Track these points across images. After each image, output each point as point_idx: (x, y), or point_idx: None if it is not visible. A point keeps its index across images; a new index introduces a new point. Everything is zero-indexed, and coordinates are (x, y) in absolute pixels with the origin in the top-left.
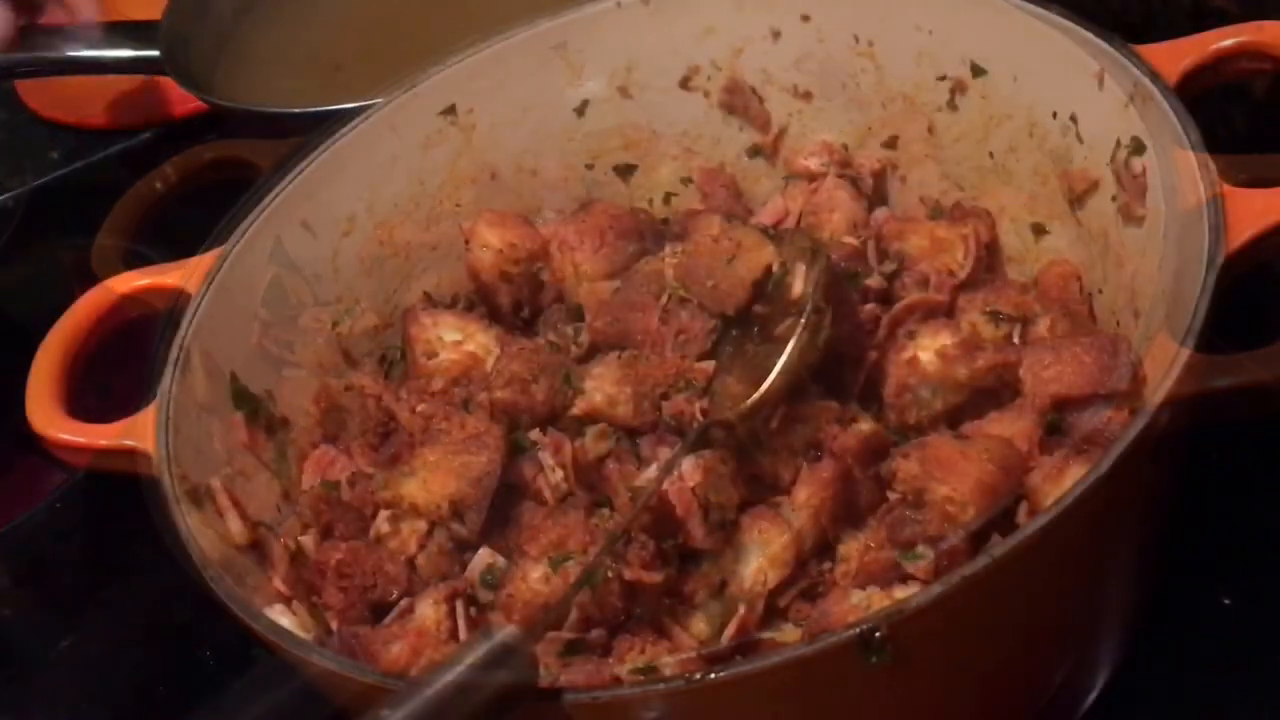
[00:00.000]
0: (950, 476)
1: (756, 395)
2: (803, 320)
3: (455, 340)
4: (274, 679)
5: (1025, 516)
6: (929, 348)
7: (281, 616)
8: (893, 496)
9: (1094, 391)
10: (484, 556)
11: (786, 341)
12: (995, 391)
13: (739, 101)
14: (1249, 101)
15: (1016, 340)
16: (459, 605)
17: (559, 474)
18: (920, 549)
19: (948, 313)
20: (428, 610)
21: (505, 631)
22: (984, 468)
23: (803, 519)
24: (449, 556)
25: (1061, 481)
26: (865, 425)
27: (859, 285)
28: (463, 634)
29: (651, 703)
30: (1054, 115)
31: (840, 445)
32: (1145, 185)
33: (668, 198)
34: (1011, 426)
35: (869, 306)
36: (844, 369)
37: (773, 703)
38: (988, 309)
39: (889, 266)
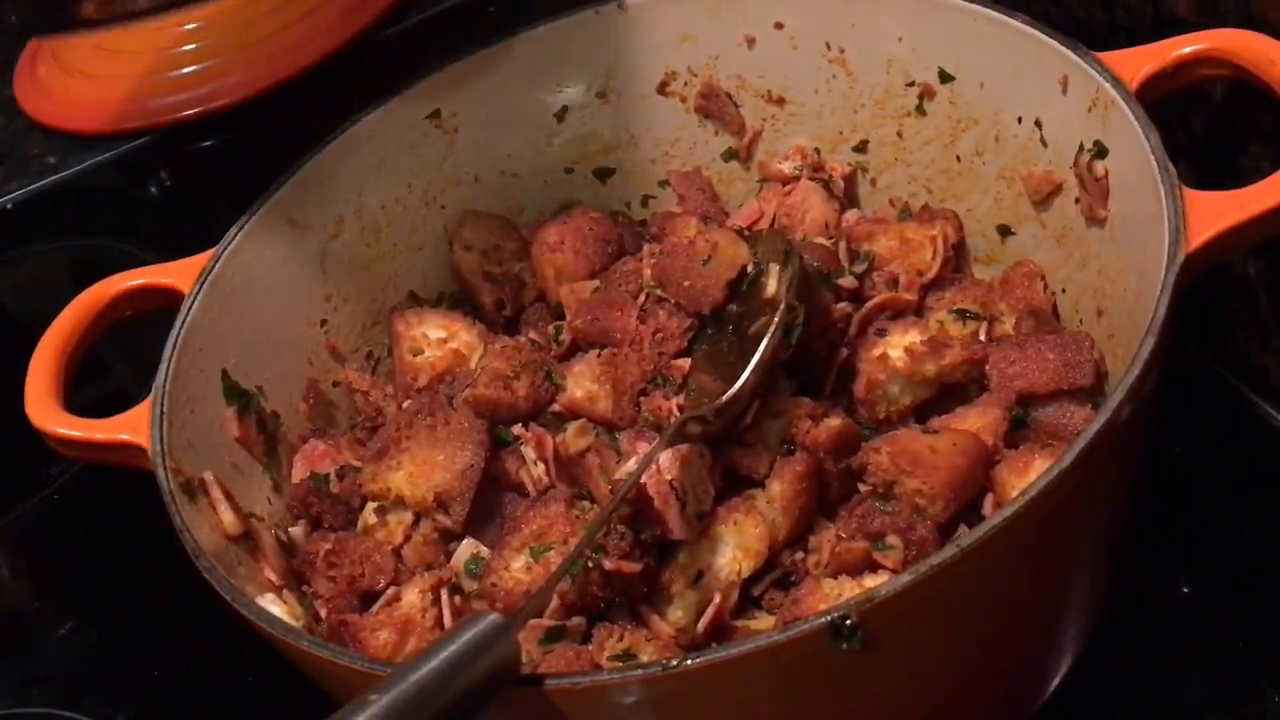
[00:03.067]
0: (920, 470)
1: (731, 391)
2: (776, 319)
3: (440, 338)
4: None
5: (991, 508)
6: (898, 345)
7: (272, 605)
8: (863, 489)
9: (1058, 387)
10: (468, 547)
11: (760, 339)
12: (962, 387)
13: (714, 107)
14: (1208, 106)
15: (983, 338)
16: (444, 594)
17: (540, 468)
18: (890, 539)
19: (917, 311)
20: (414, 598)
21: (488, 619)
22: (952, 461)
23: (776, 511)
24: (434, 547)
25: (1027, 474)
26: (836, 420)
27: (831, 285)
28: (448, 621)
29: (629, 688)
30: (1019, 120)
31: (812, 440)
32: (1107, 187)
33: (645, 200)
34: (978, 421)
35: (841, 305)
36: (816, 366)
37: (747, 688)
38: (955, 307)
39: (860, 266)
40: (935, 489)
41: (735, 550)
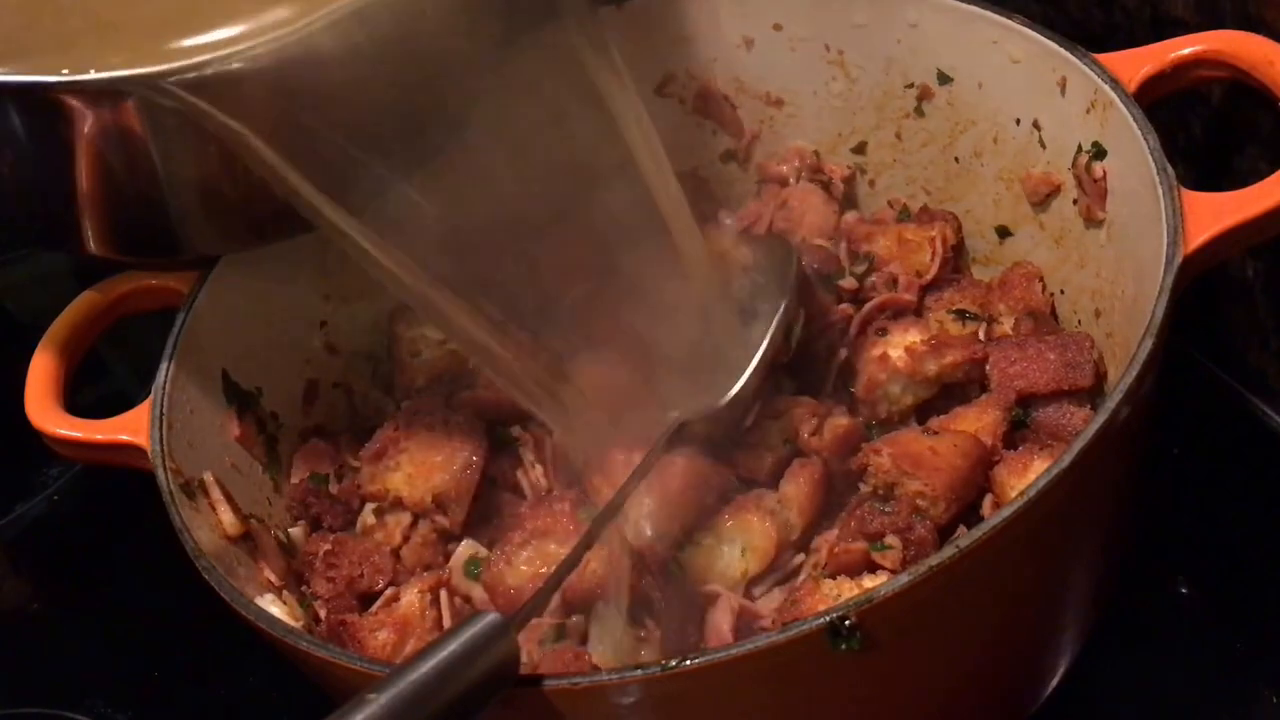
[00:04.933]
0: (922, 471)
1: (730, 394)
2: (775, 322)
3: (439, 339)
4: None
5: (990, 509)
6: (899, 345)
7: (272, 605)
8: (863, 489)
9: (1058, 387)
10: (467, 548)
11: (760, 341)
12: (962, 387)
13: (713, 108)
14: (1206, 108)
15: (982, 338)
16: (443, 594)
17: (539, 469)
18: (889, 539)
19: (916, 312)
20: (413, 599)
21: (488, 619)
22: (953, 463)
23: (791, 513)
24: (433, 547)
25: (1026, 475)
26: (843, 420)
27: (832, 286)
28: (446, 622)
29: (628, 689)
30: (1017, 121)
31: (818, 440)
32: (1105, 189)
33: None
34: (977, 421)
35: (842, 306)
36: (816, 367)
37: (746, 689)
38: (954, 308)
39: (860, 267)
40: (937, 491)
41: (742, 550)
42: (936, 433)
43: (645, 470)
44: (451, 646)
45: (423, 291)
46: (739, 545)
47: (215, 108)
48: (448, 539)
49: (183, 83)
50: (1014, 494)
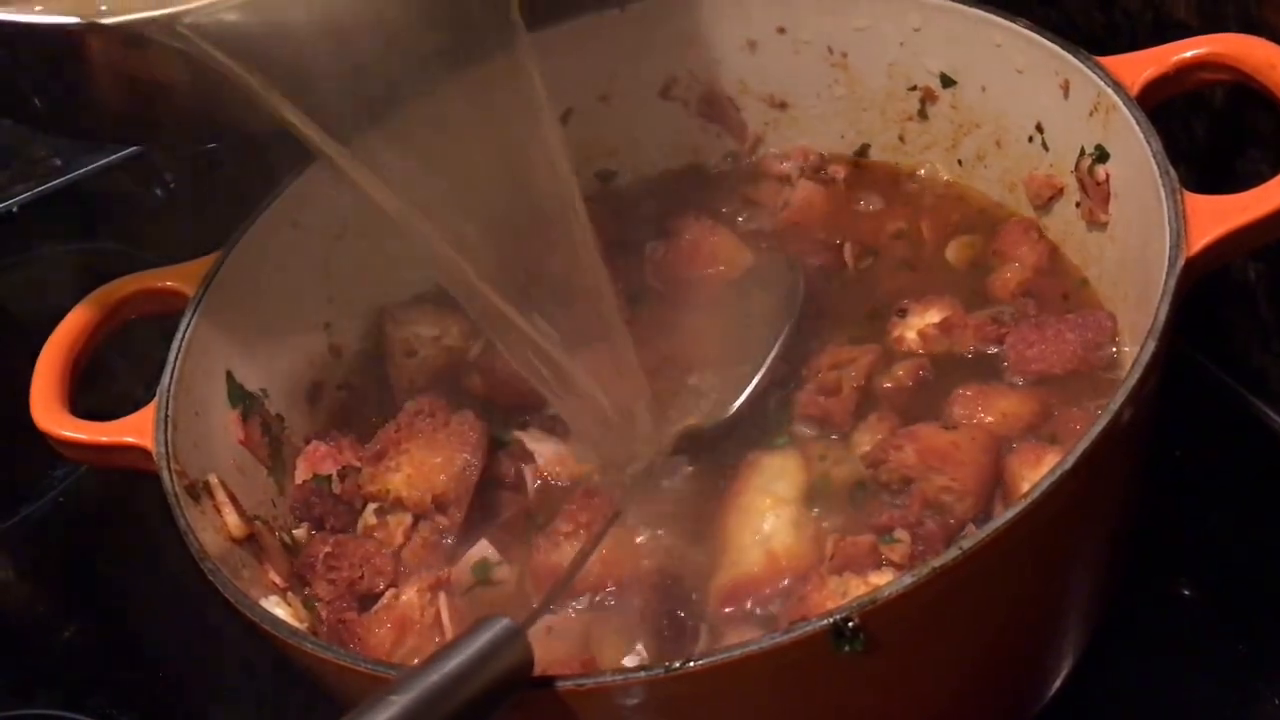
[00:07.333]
0: (948, 467)
1: (730, 412)
2: (780, 340)
3: (433, 335)
4: None
5: (999, 502)
6: (914, 326)
7: (276, 607)
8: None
9: (1076, 369)
10: (480, 549)
11: (760, 348)
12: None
13: (716, 110)
14: (1209, 111)
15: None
16: (442, 595)
17: (538, 469)
18: (897, 533)
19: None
20: (412, 598)
21: (501, 623)
22: (976, 457)
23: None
24: (434, 548)
25: (1039, 467)
26: (915, 361)
27: (835, 282)
28: (445, 621)
29: (632, 690)
30: (1020, 124)
31: (895, 379)
32: (1108, 192)
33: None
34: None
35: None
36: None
37: (749, 689)
38: None
39: (866, 262)
40: (966, 485)
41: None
42: (954, 426)
43: (645, 478)
44: (467, 651)
45: (428, 236)
46: (753, 539)
47: (218, 49)
48: (449, 539)
49: (192, 27)
50: (1026, 485)
